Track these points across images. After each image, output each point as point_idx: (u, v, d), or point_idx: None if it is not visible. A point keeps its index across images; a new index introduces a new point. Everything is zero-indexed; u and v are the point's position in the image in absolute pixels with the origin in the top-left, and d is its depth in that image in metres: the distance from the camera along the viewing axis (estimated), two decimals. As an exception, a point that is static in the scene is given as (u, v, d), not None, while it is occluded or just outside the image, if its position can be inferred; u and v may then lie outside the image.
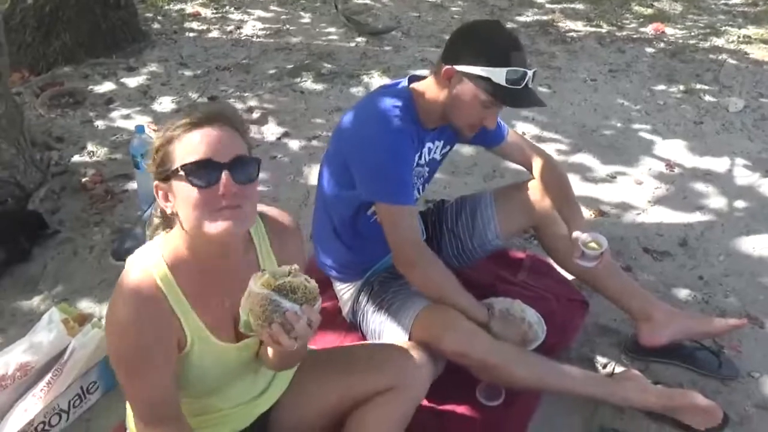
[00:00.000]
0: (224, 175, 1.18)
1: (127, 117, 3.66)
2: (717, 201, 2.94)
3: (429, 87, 1.78)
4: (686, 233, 2.70)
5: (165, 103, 3.83)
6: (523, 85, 1.64)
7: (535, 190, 2.06)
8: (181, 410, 1.31)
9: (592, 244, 1.85)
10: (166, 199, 1.24)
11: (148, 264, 1.26)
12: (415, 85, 1.83)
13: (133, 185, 2.94)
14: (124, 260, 1.32)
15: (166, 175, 1.22)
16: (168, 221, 1.31)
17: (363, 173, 1.75)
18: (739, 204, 2.92)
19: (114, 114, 3.70)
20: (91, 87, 4.02)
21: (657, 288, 2.37)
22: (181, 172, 1.18)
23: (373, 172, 1.73)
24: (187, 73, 4.24)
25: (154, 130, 3.15)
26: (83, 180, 3.01)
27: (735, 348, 2.12)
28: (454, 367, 1.77)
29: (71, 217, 2.76)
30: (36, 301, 2.33)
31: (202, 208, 1.18)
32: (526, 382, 1.77)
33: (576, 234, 1.88)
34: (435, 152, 1.93)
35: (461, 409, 1.84)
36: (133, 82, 4.11)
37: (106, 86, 4.04)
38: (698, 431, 1.80)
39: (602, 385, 1.84)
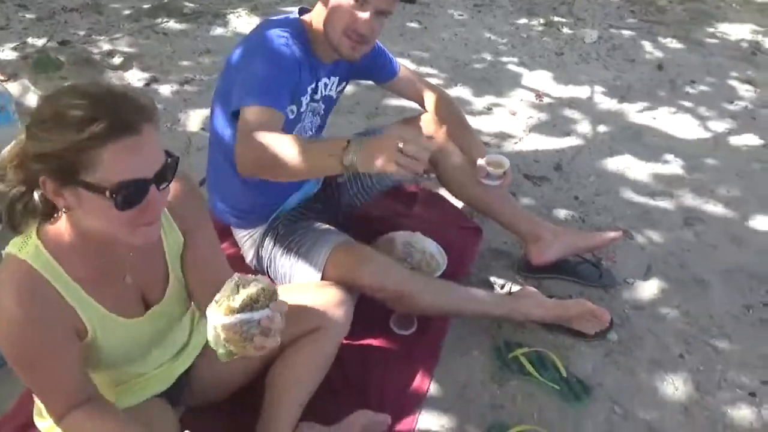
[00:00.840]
0: (152, 192, 1.07)
1: (-39, 67, 3.24)
2: (583, 127, 3.16)
3: (316, 15, 1.75)
4: (560, 158, 2.89)
5: (6, 51, 3.42)
6: None
7: (428, 122, 2.08)
8: (94, 389, 1.24)
9: (492, 167, 1.94)
10: (58, 195, 1.07)
11: (28, 257, 1.13)
12: (304, 17, 1.78)
13: (-15, 143, 2.63)
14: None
15: (69, 181, 1.04)
16: (49, 212, 1.15)
17: (238, 80, 1.64)
18: (602, 128, 3.16)
19: (-56, 64, 3.27)
20: None
21: (540, 211, 2.53)
22: (104, 192, 1.02)
23: (247, 76, 1.63)
24: (29, 15, 3.81)
25: (2, 80, 2.82)
26: None
27: (611, 259, 2.33)
28: (365, 302, 1.80)
29: None
30: None
31: (123, 225, 1.08)
32: (437, 309, 1.85)
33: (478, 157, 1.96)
34: (331, 89, 1.90)
35: (377, 342, 1.89)
36: (-39, 27, 3.63)
37: (-72, 32, 3.55)
38: (589, 335, 1.98)
39: (504, 303, 1.96)
